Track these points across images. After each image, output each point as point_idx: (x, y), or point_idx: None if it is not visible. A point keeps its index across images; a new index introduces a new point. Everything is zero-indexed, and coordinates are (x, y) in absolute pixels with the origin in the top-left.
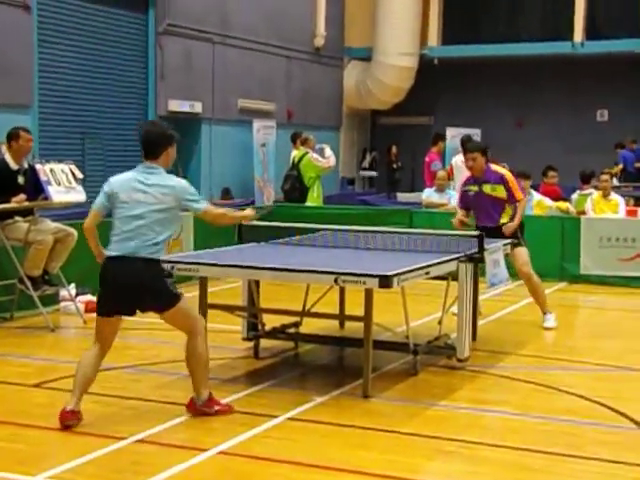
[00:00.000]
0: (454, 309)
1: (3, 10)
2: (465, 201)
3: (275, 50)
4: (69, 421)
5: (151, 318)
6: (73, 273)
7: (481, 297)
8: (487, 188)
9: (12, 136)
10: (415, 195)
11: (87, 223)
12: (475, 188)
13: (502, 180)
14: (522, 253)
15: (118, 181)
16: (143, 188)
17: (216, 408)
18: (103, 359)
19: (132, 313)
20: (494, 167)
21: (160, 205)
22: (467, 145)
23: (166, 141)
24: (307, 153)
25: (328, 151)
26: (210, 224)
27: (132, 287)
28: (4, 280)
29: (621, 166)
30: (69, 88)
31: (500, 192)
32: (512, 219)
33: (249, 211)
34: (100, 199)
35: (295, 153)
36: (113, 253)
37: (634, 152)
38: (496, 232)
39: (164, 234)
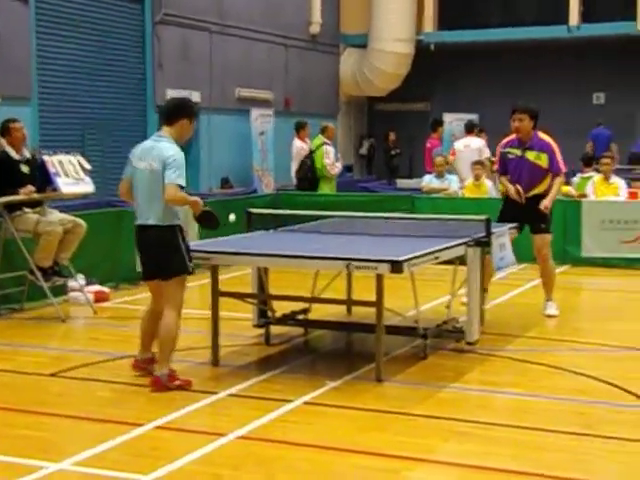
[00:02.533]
0: (464, 298)
1: (1, 2)
2: (504, 165)
3: (272, 38)
4: (137, 369)
5: None
6: (82, 264)
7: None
8: (531, 155)
9: (4, 130)
10: (415, 181)
11: (120, 189)
12: (517, 152)
13: (547, 148)
14: (545, 236)
15: (137, 148)
16: (145, 156)
17: (177, 383)
18: (156, 317)
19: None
20: (540, 134)
21: (155, 174)
22: (517, 104)
23: (183, 111)
24: (324, 144)
25: (339, 165)
26: (168, 200)
27: (147, 254)
28: (14, 271)
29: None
30: (68, 79)
31: (543, 161)
32: (547, 192)
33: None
34: (126, 166)
35: (314, 141)
36: (136, 222)
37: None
38: (528, 201)
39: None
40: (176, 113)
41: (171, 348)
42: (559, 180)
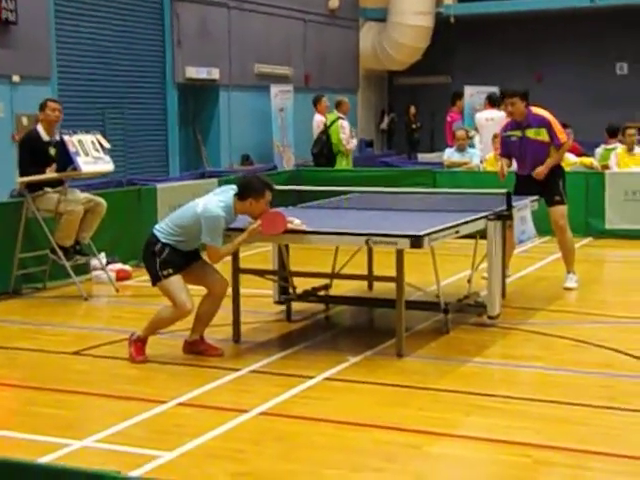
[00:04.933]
0: (486, 273)
1: None
2: (507, 148)
3: (290, 14)
4: (185, 350)
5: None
6: (104, 242)
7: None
8: (530, 132)
9: (41, 107)
10: (436, 155)
11: None
12: (518, 133)
13: (544, 123)
14: (560, 208)
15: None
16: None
17: (131, 349)
18: (212, 300)
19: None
20: (535, 110)
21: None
22: (505, 90)
23: (250, 192)
24: (339, 119)
25: (355, 140)
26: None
27: None
28: (36, 251)
29: None
30: (87, 58)
31: (543, 135)
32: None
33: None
34: None
35: (328, 117)
36: None
37: None
38: (541, 179)
39: None
40: (244, 192)
41: (154, 327)
42: (563, 148)
